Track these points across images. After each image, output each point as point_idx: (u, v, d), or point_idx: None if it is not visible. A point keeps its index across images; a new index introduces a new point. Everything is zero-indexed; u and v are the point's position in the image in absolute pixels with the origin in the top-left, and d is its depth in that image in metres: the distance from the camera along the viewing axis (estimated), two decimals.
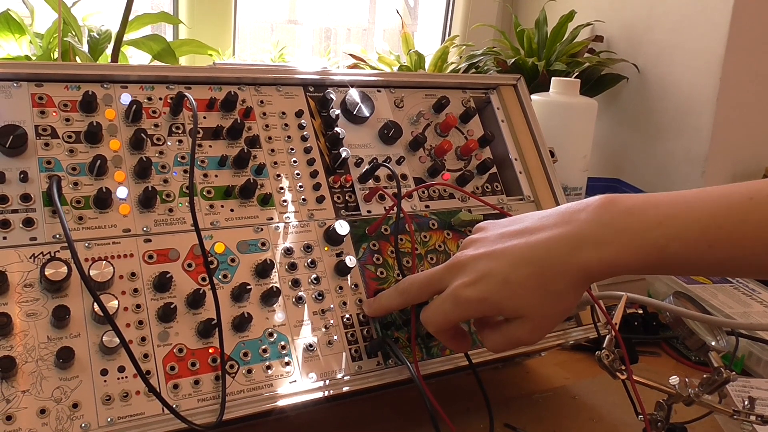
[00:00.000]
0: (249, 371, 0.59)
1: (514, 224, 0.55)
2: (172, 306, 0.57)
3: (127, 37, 1.07)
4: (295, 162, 0.70)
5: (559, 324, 0.60)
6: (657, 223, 0.46)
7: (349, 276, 0.67)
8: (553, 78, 1.13)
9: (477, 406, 0.72)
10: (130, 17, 1.04)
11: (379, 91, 0.78)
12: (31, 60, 1.06)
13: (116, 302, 0.55)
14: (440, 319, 0.57)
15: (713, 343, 0.65)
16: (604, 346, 0.61)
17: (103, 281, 0.56)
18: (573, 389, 0.83)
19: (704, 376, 0.62)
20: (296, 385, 0.60)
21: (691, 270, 0.48)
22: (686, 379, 0.63)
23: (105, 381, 0.54)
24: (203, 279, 0.60)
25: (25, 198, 0.57)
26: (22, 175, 0.57)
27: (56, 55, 1.02)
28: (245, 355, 0.59)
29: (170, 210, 0.62)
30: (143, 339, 0.56)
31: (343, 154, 0.70)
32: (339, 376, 0.62)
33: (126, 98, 0.64)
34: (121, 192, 0.60)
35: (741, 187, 0.44)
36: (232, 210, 0.65)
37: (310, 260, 0.66)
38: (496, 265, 0.52)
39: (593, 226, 0.48)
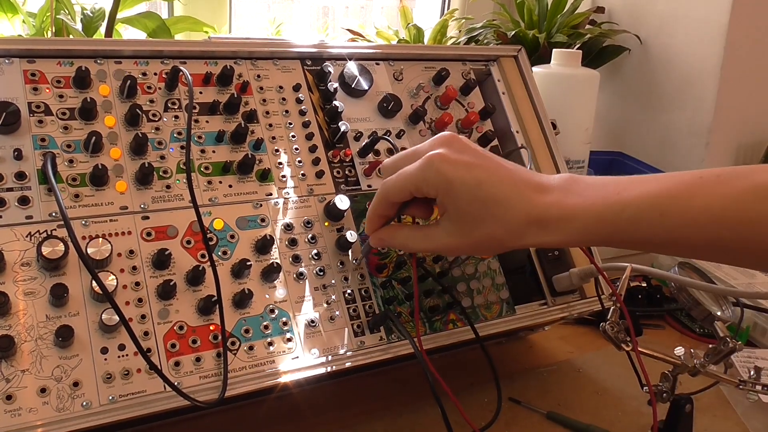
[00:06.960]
0: (251, 348, 0.59)
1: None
2: (171, 283, 0.56)
3: (121, 14, 1.06)
4: (293, 136, 0.69)
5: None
6: (615, 192, 0.51)
7: (350, 251, 0.66)
8: (554, 50, 1.11)
9: (481, 381, 0.72)
10: None
11: (377, 64, 0.76)
12: None
13: (115, 280, 0.55)
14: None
15: (719, 313, 0.64)
16: (608, 317, 0.61)
17: (101, 259, 0.55)
18: (577, 362, 0.83)
19: (710, 346, 0.62)
20: (298, 361, 0.60)
21: (642, 239, 0.50)
22: (691, 350, 0.62)
23: (105, 359, 0.54)
24: (202, 256, 0.60)
25: (20, 176, 0.56)
26: (16, 153, 0.56)
27: (49, 34, 1.01)
28: (246, 331, 0.59)
29: (168, 187, 0.61)
30: (143, 317, 0.56)
31: (342, 128, 0.69)
32: (341, 351, 0.62)
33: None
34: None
35: (693, 171, 0.50)
36: (230, 186, 0.64)
37: (310, 236, 0.65)
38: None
39: (560, 186, 0.53)
